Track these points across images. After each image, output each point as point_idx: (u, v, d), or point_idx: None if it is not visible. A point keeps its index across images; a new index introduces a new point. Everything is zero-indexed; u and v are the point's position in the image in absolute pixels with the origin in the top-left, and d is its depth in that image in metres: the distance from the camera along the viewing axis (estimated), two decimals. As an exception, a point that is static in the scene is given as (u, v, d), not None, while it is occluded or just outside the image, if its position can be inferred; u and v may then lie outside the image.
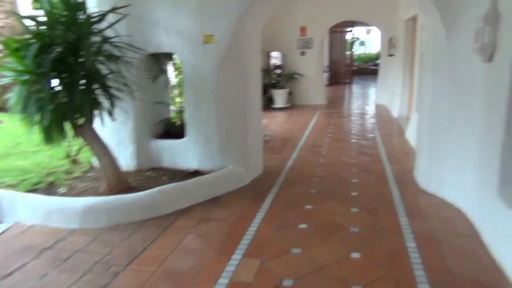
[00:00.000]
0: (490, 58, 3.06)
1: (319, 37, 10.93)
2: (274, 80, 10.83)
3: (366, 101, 11.85)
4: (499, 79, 2.90)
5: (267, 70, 10.82)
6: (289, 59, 11.19)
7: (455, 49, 3.68)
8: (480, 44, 3.06)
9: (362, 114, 9.45)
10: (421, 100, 6.21)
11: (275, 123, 8.62)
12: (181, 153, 4.71)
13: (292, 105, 10.90)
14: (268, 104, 11.00)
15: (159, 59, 4.69)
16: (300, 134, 7.27)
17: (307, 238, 3.24)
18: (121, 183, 4.11)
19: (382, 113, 9.46)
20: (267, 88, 11.03)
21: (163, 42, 4.35)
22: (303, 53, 11.07)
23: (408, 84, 8.45)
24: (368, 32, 30.47)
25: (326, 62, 17.30)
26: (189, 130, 4.57)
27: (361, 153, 5.82)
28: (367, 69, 22.72)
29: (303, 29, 10.93)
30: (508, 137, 2.79)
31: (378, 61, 23.48)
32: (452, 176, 3.80)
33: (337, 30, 17.35)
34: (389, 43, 10.05)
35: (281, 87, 10.78)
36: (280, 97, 10.58)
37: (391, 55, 10.02)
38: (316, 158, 5.63)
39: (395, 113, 8.86)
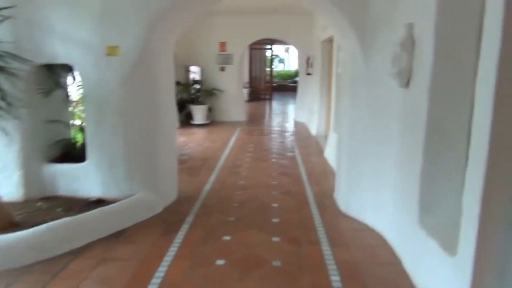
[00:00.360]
0: (407, 83, 3.05)
1: (239, 53, 10.83)
2: (193, 95, 10.43)
3: (286, 118, 11.98)
4: (416, 105, 2.88)
5: (186, 85, 10.40)
6: (209, 74, 10.90)
7: (372, 73, 3.67)
8: (397, 69, 3.04)
9: (282, 132, 9.46)
10: (339, 120, 6.33)
11: (194, 140, 8.20)
12: (81, 179, 4.09)
13: (212, 122, 10.57)
14: (187, 120, 10.55)
15: (55, 71, 4.05)
16: (220, 153, 6.95)
17: (225, 276, 2.89)
18: (2, 218, 3.39)
19: (301, 130, 9.56)
20: (186, 104, 10.59)
21: (59, 52, 3.75)
22: (223, 69, 10.85)
23: (325, 103, 8.65)
24: (286, 50, 31.61)
25: (246, 78, 17.37)
26: (91, 152, 3.98)
27: (281, 173, 5.67)
28: (287, 86, 23.38)
29: (222, 45, 10.74)
30: (426, 164, 2.76)
31: (297, 78, 24.36)
32: (371, 200, 3.75)
33: (257, 47, 17.57)
34: (307, 62, 10.29)
35: (201, 103, 10.42)
36: (199, 113, 10.20)
37: (309, 74, 10.25)
38: (235, 179, 5.33)
39: (313, 131, 9.00)
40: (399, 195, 3.22)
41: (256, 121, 11.37)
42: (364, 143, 3.83)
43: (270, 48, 17.84)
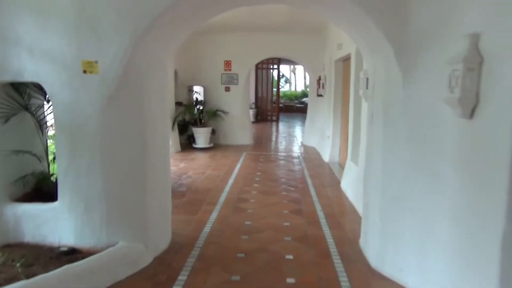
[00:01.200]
0: (471, 112, 2.29)
1: (245, 72, 10.18)
2: (196, 116, 9.73)
3: (294, 142, 11.22)
4: (488, 140, 2.12)
5: (188, 106, 9.71)
6: (213, 94, 10.23)
7: (414, 98, 2.92)
8: (459, 94, 2.29)
9: (291, 158, 8.69)
10: (357, 148, 5.56)
11: (195, 167, 7.43)
12: (50, 223, 3.33)
13: (215, 145, 9.83)
14: (188, 143, 9.82)
15: (22, 91, 3.34)
16: (223, 183, 6.17)
17: None
18: None
19: (312, 156, 8.78)
20: (188, 126, 9.88)
21: (26, 68, 3.05)
22: (227, 89, 10.19)
23: (339, 128, 7.90)
24: (293, 70, 31.22)
25: (252, 98, 16.75)
26: (63, 191, 3.23)
27: (294, 211, 4.87)
28: (293, 107, 22.77)
29: (227, 63, 10.10)
30: (510, 225, 1.97)
31: (303, 99, 23.79)
32: (414, 258, 2.94)
33: (263, 67, 17.02)
34: (317, 83, 9.60)
35: (204, 125, 9.71)
36: (202, 136, 9.47)
37: (319, 95, 9.54)
38: (241, 219, 4.54)
39: (326, 157, 8.21)
40: (459, 257, 2.41)
41: (262, 145, 10.62)
42: (403, 184, 3.04)
43: (277, 68, 17.26)
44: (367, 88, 4.65)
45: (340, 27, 4.02)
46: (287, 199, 5.40)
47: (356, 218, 4.58)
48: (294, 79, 31.76)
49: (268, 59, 16.78)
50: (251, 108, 16.23)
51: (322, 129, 9.42)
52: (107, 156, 3.13)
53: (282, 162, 8.17)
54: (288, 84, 31.06)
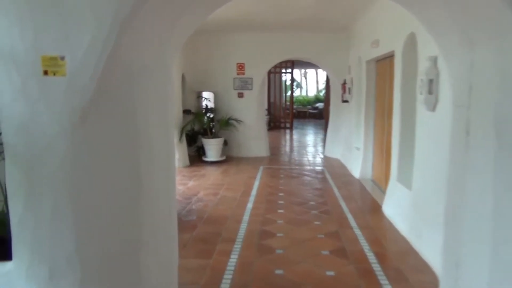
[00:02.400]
0: None
1: (260, 76, 9.16)
2: (206, 126, 8.71)
3: (314, 152, 10.14)
4: None
5: (197, 114, 8.70)
6: (225, 101, 9.22)
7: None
8: None
9: (315, 173, 7.61)
10: (408, 167, 4.43)
11: (206, 186, 6.40)
12: (3, 292, 2.29)
13: (227, 158, 8.80)
14: (198, 155, 8.80)
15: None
16: (241, 209, 5.12)
17: None
18: None
19: (338, 171, 7.69)
20: (197, 136, 8.87)
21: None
22: (241, 95, 9.17)
23: (371, 139, 6.82)
24: (304, 74, 30.17)
25: (265, 104, 15.72)
26: (19, 248, 2.20)
27: (336, 251, 3.80)
28: (306, 113, 21.73)
29: (240, 67, 9.09)
30: None
31: (317, 105, 22.71)
32: None
33: (276, 71, 16.01)
34: (342, 88, 8.53)
35: (215, 135, 8.69)
36: (213, 148, 8.45)
37: (345, 101, 8.47)
38: (269, 265, 3.48)
39: (355, 172, 7.13)
40: None
41: (280, 156, 9.56)
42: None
43: (291, 72, 16.23)
44: (430, 93, 3.58)
45: (420, 14, 2.91)
46: (322, 231, 4.33)
47: (419, 264, 3.50)
48: (306, 83, 30.72)
49: (281, 63, 15.78)
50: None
51: (347, 139, 8.34)
52: (80, 198, 2.10)
53: (305, 178, 7.10)
54: (299, 89, 30.00)
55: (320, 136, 13.82)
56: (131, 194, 2.26)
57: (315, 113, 21.46)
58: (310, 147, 11.22)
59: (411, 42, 4.44)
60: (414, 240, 3.91)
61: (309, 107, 22.70)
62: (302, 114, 21.54)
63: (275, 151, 10.22)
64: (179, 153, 7.86)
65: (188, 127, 8.42)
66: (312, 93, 28.88)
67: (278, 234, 4.23)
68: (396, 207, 4.64)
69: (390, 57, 5.72)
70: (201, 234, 4.23)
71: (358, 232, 4.32)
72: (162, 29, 2.38)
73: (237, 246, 3.89)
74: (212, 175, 7.30)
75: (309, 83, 30.83)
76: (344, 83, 8.43)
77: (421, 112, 3.94)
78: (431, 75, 3.56)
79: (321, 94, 25.59)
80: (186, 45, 8.63)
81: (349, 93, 8.06)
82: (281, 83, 16.99)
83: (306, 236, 4.18)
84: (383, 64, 6.16)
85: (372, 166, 6.84)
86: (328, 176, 7.28)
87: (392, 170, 5.04)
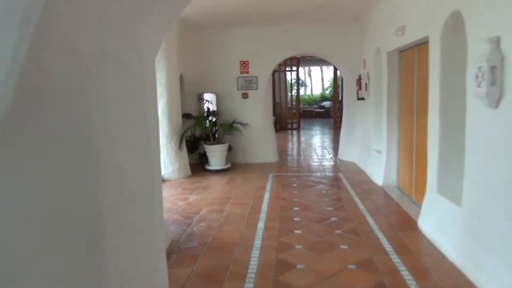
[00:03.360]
0: None
1: (266, 74, 8.37)
2: (209, 131, 7.93)
3: (327, 155, 9.33)
4: None
5: (199, 118, 7.92)
6: (227, 103, 8.44)
7: None
8: None
9: (332, 180, 6.81)
10: (455, 177, 3.60)
11: (210, 201, 5.62)
12: None
13: (232, 165, 8.01)
14: (200, 162, 8.03)
15: None
16: (251, 230, 4.34)
17: None
18: None
19: (357, 177, 6.88)
20: (198, 142, 8.10)
21: None
22: (245, 96, 8.39)
23: (396, 141, 6.01)
24: (308, 72, 29.37)
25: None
26: None
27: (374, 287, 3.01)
28: (312, 112, 20.93)
29: (244, 65, 8.31)
30: None
31: (323, 103, 21.89)
32: None
33: (280, 69, 15.22)
34: (358, 84, 7.72)
35: (218, 141, 7.90)
36: (216, 155, 7.67)
37: (361, 99, 7.67)
38: (291, 313, 2.69)
39: (378, 179, 6.31)
40: None
41: (290, 161, 8.76)
42: None
43: (296, 70, 15.43)
44: (493, 84, 2.77)
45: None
46: (352, 259, 3.53)
47: (489, 307, 2.68)
48: (310, 82, 29.91)
49: (285, 60, 14.99)
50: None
51: (364, 140, 7.54)
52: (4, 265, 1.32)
53: (321, 187, 6.30)
54: (303, 88, 29.19)
55: (330, 137, 13.03)
56: (86, 250, 1.47)
57: (322, 112, 20.65)
58: (321, 149, 10.40)
59: (454, 24, 3.63)
60: (471, 272, 3.10)
61: (315, 106, 21.90)
62: (308, 113, 20.74)
63: (283, 155, 9.42)
64: (179, 162, 7.09)
65: (189, 133, 7.66)
66: (317, 91, 28.07)
67: (298, 266, 3.43)
68: (439, 225, 3.83)
69: (418, 45, 4.92)
70: (204, 268, 3.44)
71: (396, 259, 3.51)
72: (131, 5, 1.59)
73: (249, 286, 3.09)
74: (216, 186, 6.51)
75: (314, 81, 30.01)
76: (359, 79, 7.62)
77: (476, 109, 3.13)
78: (494, 61, 2.76)
79: (327, 92, 24.78)
80: (183, 43, 7.86)
81: (366, 89, 7.26)
82: (286, 82, 16.21)
83: (333, 268, 3.38)
84: (409, 55, 5.35)
85: (397, 171, 6.03)
86: (346, 183, 6.48)
87: (430, 179, 4.23)
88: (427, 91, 4.35)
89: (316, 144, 11.40)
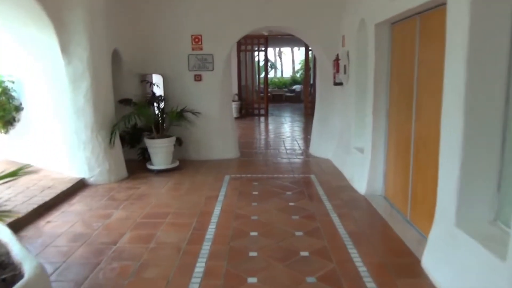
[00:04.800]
0: None
1: (223, 52, 6.84)
2: (153, 120, 6.34)
3: (296, 149, 8.00)
4: None
5: (140, 105, 6.31)
6: (177, 86, 6.89)
7: None
8: None
9: (303, 186, 5.46)
10: (476, 200, 2.39)
11: (138, 220, 4.15)
12: None
13: (182, 163, 6.52)
14: (144, 160, 6.51)
15: None
16: (183, 279, 2.93)
17: None
18: None
19: (333, 181, 5.58)
20: (141, 134, 6.54)
21: None
22: (198, 78, 6.86)
23: (383, 138, 4.73)
24: (279, 54, 27.84)
25: (235, 89, 13.42)
26: None
27: None
28: (282, 96, 19.56)
29: (196, 39, 6.75)
30: None
31: (294, 87, 20.52)
32: None
33: (247, 49, 13.67)
34: (335, 65, 6.35)
35: (164, 134, 6.37)
36: (160, 151, 6.14)
37: (338, 84, 6.32)
38: None
39: (360, 186, 5.02)
40: None
41: (253, 157, 7.35)
42: None
43: (264, 50, 13.92)
44: None
45: None
46: None
47: None
48: (281, 64, 28.44)
49: (252, 40, 13.45)
50: (233, 101, 12.93)
51: (343, 134, 6.25)
52: None
53: (289, 196, 4.95)
54: (273, 70, 27.67)
55: (300, 125, 11.73)
56: None
57: (292, 96, 19.32)
58: (290, 140, 9.06)
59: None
60: None
61: (286, 89, 20.52)
62: (278, 97, 19.35)
63: (246, 148, 8.01)
64: (110, 161, 5.55)
65: (127, 124, 6.05)
66: (288, 74, 26.66)
67: None
68: (462, 278, 2.56)
69: (422, 12, 3.57)
70: None
71: None
72: None
73: None
74: (154, 195, 5.03)
75: (285, 63, 28.57)
76: (337, 59, 6.25)
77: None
78: None
79: (298, 75, 23.45)
80: (118, 12, 6.20)
81: (345, 72, 5.91)
82: (253, 64, 14.68)
83: None
84: (407, 26, 4.01)
85: (384, 176, 4.77)
86: (319, 190, 5.17)
87: (441, 202, 2.94)
88: (438, 76, 3.04)
89: (285, 134, 10.03)
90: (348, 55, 5.83)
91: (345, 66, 5.90)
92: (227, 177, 5.80)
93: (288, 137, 9.57)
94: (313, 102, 12.27)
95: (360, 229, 3.84)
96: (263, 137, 9.95)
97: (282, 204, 4.61)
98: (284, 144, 8.60)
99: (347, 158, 5.83)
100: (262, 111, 14.22)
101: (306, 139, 8.91)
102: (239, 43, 13.18)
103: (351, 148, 5.62)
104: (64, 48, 5.13)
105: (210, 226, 3.94)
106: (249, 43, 13.52)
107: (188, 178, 5.77)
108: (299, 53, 24.54)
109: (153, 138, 6.16)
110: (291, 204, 4.62)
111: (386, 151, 4.72)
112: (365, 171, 4.91)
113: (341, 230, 3.82)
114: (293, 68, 26.76)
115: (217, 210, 4.40)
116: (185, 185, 5.43)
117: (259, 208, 4.48)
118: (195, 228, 3.90)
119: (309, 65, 14.60)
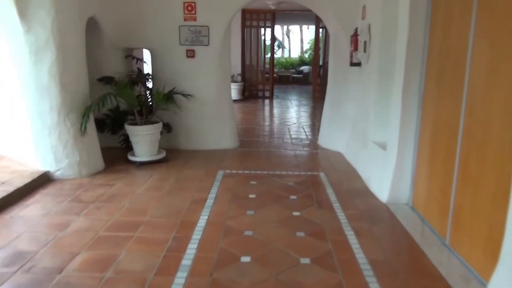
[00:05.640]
0: None
1: (221, 24, 5.82)
2: (138, 103, 5.38)
3: (303, 139, 7.05)
4: None
5: (124, 85, 5.31)
6: (165, 64, 5.91)
7: None
8: None
9: (310, 187, 4.53)
10: None
11: (99, 233, 3.27)
12: None
13: (169, 153, 5.60)
14: (127, 148, 5.61)
15: None
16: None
17: None
18: None
19: (346, 182, 4.65)
20: (124, 118, 5.61)
21: None
22: (191, 53, 5.87)
23: (413, 132, 3.76)
24: (287, 32, 26.55)
25: (238, 68, 12.40)
26: None
27: None
28: (289, 78, 18.49)
29: (189, 8, 5.73)
30: None
31: (301, 68, 19.39)
32: None
33: (252, 24, 12.55)
34: (353, 42, 5.31)
35: (149, 120, 5.43)
36: (144, 139, 5.21)
37: (355, 65, 5.30)
38: None
39: (381, 192, 4.08)
40: None
41: (253, 147, 6.41)
42: None
43: (271, 26, 12.78)
44: None
45: None
46: None
47: None
48: (289, 43, 27.16)
49: (258, 15, 12.31)
50: (236, 82, 11.94)
51: (357, 124, 5.28)
52: None
53: (294, 202, 4.03)
54: (281, 50, 26.42)
55: (308, 109, 10.76)
56: None
57: (300, 78, 18.24)
58: (296, 127, 8.09)
59: None
60: None
61: (293, 70, 19.42)
62: (284, 79, 18.29)
63: (246, 136, 7.07)
64: (81, 152, 4.65)
65: (102, 107, 5.10)
66: (295, 54, 25.43)
67: None
68: None
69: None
70: None
71: None
72: None
73: None
74: (129, 194, 4.14)
75: (293, 43, 27.27)
76: (356, 35, 5.21)
77: None
78: None
79: (307, 55, 22.26)
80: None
81: (364, 50, 4.89)
82: (258, 41, 13.57)
83: None
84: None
85: (412, 181, 3.82)
86: (330, 193, 4.24)
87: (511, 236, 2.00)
88: (510, 55, 2.05)
89: (290, 120, 9.06)
90: (369, 29, 4.80)
91: (365, 42, 4.87)
92: (220, 173, 4.89)
93: (294, 123, 8.59)
94: (322, 84, 11.25)
95: (385, 256, 2.92)
96: (266, 123, 8.98)
97: (284, 214, 3.69)
98: (289, 132, 7.64)
99: (362, 152, 4.88)
100: (267, 93, 13.20)
101: (314, 126, 7.95)
102: (243, 18, 12.08)
103: (368, 141, 4.67)
104: (22, 11, 4.16)
105: (190, 246, 3.04)
106: (255, 18, 12.40)
107: (174, 173, 4.87)
108: (308, 32, 23.29)
109: (135, 124, 5.23)
110: (295, 214, 3.70)
111: (417, 149, 3.76)
112: (388, 172, 3.96)
113: (359, 256, 2.91)
114: (302, 48, 25.50)
115: (202, 221, 3.51)
116: (169, 183, 4.53)
117: (255, 219, 3.57)
118: (170, 248, 3.01)
119: (319, 44, 13.47)
